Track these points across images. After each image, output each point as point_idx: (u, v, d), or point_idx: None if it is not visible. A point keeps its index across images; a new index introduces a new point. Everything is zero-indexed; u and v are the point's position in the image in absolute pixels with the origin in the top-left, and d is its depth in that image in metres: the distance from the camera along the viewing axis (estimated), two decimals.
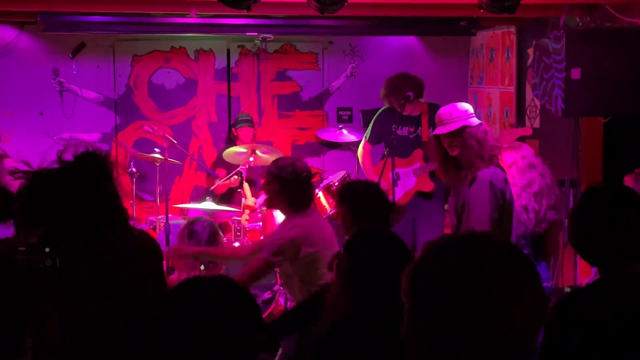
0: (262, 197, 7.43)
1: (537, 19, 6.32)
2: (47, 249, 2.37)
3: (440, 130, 4.44)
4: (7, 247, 2.34)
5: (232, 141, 7.56)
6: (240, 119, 7.54)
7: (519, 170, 5.04)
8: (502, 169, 4.56)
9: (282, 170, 4.47)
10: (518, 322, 1.51)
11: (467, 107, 4.56)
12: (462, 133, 4.39)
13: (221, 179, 7.15)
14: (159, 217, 6.99)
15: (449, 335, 1.51)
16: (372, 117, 6.79)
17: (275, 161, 4.65)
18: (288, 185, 4.45)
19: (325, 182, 7.24)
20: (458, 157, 4.43)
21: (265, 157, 6.90)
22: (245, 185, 6.99)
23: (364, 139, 6.81)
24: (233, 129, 7.57)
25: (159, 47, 7.91)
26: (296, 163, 4.56)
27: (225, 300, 1.83)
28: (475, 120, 4.48)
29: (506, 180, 4.42)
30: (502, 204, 4.35)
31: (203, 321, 1.78)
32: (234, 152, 6.96)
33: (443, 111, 4.53)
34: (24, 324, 1.96)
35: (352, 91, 8.22)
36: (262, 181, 7.51)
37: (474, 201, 4.35)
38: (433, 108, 6.44)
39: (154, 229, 6.99)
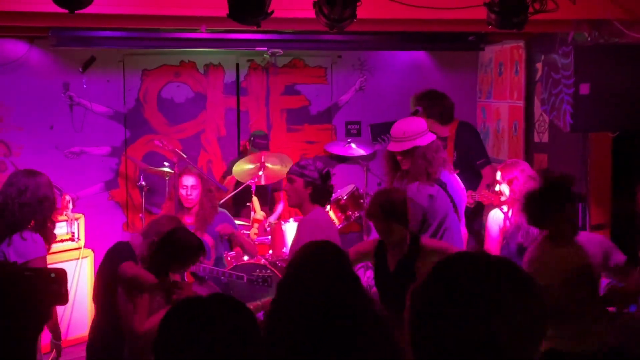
0: (276, 214, 7.46)
1: (546, 34, 6.33)
2: (52, 275, 2.39)
3: (392, 148, 5.08)
4: (11, 269, 2.35)
5: (242, 154, 7.57)
6: (255, 141, 7.45)
7: (520, 184, 5.06)
8: (442, 184, 5.01)
9: (304, 169, 4.81)
10: (515, 338, 1.54)
11: (420, 124, 5.07)
12: (413, 151, 4.99)
13: (230, 193, 7.17)
14: None
15: (447, 352, 1.54)
16: (381, 131, 6.81)
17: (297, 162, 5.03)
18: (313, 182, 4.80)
19: (333, 196, 7.25)
20: (408, 170, 5.04)
21: (276, 167, 6.92)
22: (254, 199, 7.00)
23: None
24: (247, 144, 7.55)
25: (169, 61, 7.95)
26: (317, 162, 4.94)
27: (225, 319, 1.83)
28: (427, 138, 5.02)
29: (431, 196, 4.92)
30: (422, 219, 4.90)
31: (203, 341, 1.79)
32: (243, 169, 6.96)
33: (396, 128, 5.09)
34: (34, 339, 1.97)
35: (360, 105, 8.24)
36: (275, 193, 7.61)
37: None
38: (463, 127, 6.53)
39: None
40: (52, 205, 4.58)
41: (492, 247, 5.07)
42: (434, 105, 6.42)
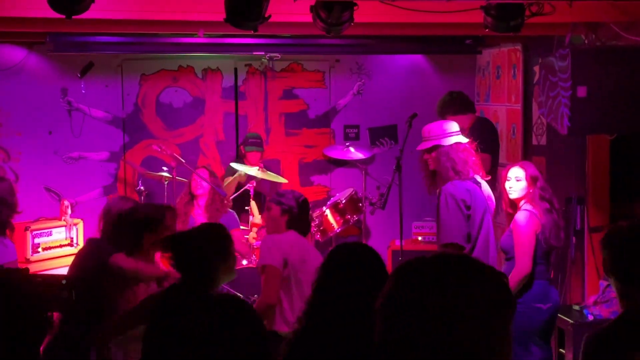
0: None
1: (543, 37, 6.34)
2: (63, 281, 2.40)
3: (418, 147, 5.18)
4: (23, 276, 2.36)
5: (240, 158, 7.58)
6: (249, 140, 7.53)
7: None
8: (477, 182, 5.06)
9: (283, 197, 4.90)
10: (484, 347, 1.52)
11: (448, 126, 5.04)
12: (435, 150, 5.08)
13: (229, 197, 7.17)
14: None
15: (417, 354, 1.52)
16: (379, 135, 6.84)
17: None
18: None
19: (332, 199, 7.27)
20: (436, 171, 5.12)
21: (273, 174, 6.94)
22: (253, 203, 7.00)
23: None
24: (242, 148, 7.58)
25: (167, 66, 7.96)
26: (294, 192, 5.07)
27: (233, 319, 1.83)
28: (450, 140, 5.09)
29: (468, 190, 4.96)
30: (467, 214, 4.94)
31: (212, 341, 1.78)
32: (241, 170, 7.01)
33: (425, 128, 5.21)
34: (36, 347, 1.98)
35: (358, 109, 8.25)
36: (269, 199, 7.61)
37: (438, 213, 5.05)
38: (480, 123, 6.64)
39: None
40: (10, 211, 4.62)
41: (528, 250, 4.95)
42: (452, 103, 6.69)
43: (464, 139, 5.18)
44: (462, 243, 4.93)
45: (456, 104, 6.63)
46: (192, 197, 6.56)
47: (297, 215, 4.89)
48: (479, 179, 5.16)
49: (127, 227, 4.43)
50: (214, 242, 3.70)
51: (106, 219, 4.80)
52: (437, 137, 5.11)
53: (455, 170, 5.01)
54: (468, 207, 4.94)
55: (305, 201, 4.99)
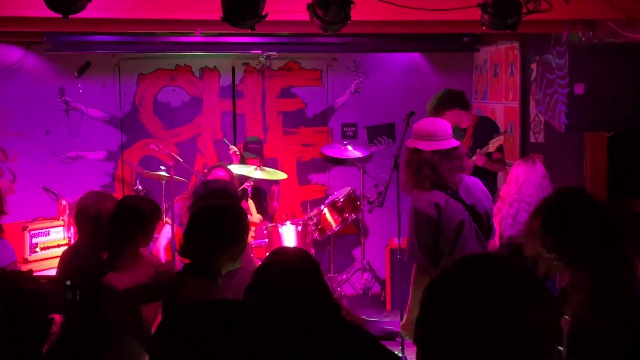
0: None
1: (540, 35, 6.34)
2: (68, 282, 2.39)
3: (437, 147, 4.40)
4: (27, 278, 2.35)
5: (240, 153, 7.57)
6: (248, 146, 7.47)
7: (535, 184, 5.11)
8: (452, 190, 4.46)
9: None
10: (527, 346, 1.51)
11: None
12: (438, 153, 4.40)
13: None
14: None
15: (455, 354, 1.52)
16: (377, 133, 6.82)
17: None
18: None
19: (330, 198, 7.27)
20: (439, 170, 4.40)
21: (271, 169, 6.95)
22: (250, 202, 7.00)
23: None
24: (241, 149, 7.57)
25: (164, 65, 7.96)
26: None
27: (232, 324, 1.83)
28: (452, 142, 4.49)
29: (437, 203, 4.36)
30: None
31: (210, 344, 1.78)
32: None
33: (440, 127, 4.50)
34: (39, 349, 1.97)
35: (356, 107, 8.25)
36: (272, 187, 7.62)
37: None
38: (482, 122, 6.56)
39: None
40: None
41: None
42: (450, 97, 6.49)
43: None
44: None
45: (455, 101, 6.51)
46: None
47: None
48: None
49: (120, 224, 4.10)
50: (219, 224, 3.45)
51: (84, 221, 4.50)
52: (450, 137, 4.51)
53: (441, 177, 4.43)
54: (434, 221, 4.35)
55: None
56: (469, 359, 1.51)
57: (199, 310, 1.87)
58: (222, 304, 1.90)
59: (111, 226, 4.09)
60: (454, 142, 4.46)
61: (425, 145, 4.38)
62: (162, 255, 6.36)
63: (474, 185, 4.52)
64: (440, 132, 4.44)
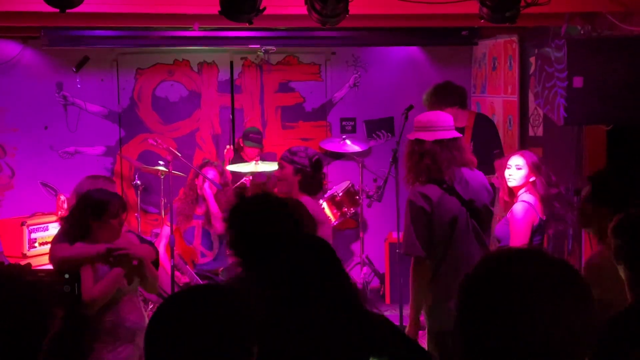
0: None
1: (539, 28, 6.33)
2: (66, 275, 2.39)
3: (447, 136, 4.43)
4: (26, 271, 2.35)
5: (237, 152, 7.56)
6: (249, 135, 7.49)
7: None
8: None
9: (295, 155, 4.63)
10: (566, 340, 1.51)
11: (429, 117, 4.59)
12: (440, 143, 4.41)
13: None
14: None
15: (496, 349, 1.52)
16: (375, 127, 6.80)
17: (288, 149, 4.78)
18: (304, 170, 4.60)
19: (329, 192, 7.26)
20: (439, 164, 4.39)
21: (270, 163, 6.94)
22: None
23: None
24: (240, 140, 7.57)
25: (162, 60, 7.94)
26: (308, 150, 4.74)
27: (223, 309, 1.83)
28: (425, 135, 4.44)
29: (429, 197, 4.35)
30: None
31: (201, 331, 1.78)
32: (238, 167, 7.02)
33: (448, 117, 4.56)
34: (39, 343, 1.97)
35: (355, 102, 8.24)
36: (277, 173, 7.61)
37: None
38: (480, 119, 6.50)
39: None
40: None
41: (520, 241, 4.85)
42: (450, 93, 6.28)
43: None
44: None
45: (456, 99, 6.29)
46: (197, 196, 6.72)
47: (310, 174, 4.62)
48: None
49: (76, 213, 4.25)
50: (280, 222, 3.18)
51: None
52: (451, 128, 4.52)
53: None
54: (428, 215, 4.34)
55: (318, 160, 4.70)
56: (511, 355, 1.51)
57: (194, 295, 1.88)
58: (218, 289, 1.90)
59: (68, 219, 4.22)
60: (456, 133, 4.47)
61: (427, 136, 4.39)
62: (163, 255, 6.37)
63: (474, 179, 4.50)
64: (442, 122, 4.46)
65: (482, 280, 1.58)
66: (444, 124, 4.46)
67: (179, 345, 1.76)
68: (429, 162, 4.35)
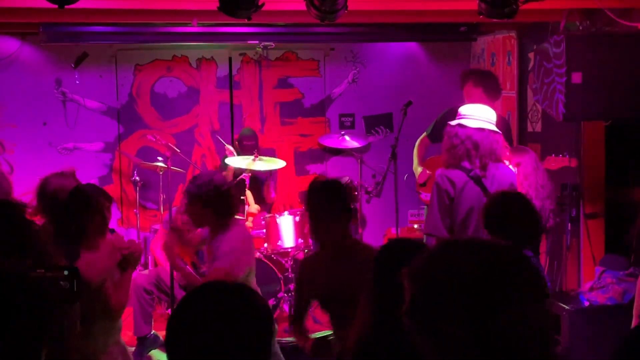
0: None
1: (538, 24, 6.33)
2: (65, 272, 2.38)
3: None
4: (25, 266, 2.34)
5: (235, 149, 7.55)
6: (243, 143, 7.43)
7: (526, 171, 5.12)
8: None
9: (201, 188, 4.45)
10: (523, 327, 1.49)
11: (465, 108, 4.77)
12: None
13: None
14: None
15: (452, 341, 1.50)
16: (374, 123, 6.79)
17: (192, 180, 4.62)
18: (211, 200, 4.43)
19: None
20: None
21: (269, 158, 6.95)
22: (248, 193, 7.00)
23: (424, 133, 6.39)
24: (237, 144, 7.55)
25: (161, 56, 7.94)
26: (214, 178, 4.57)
27: (242, 307, 1.83)
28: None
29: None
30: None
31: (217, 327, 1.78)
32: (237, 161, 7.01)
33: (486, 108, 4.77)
34: (41, 338, 1.97)
35: (353, 97, 8.24)
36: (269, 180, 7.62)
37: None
38: (500, 123, 6.45)
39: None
40: None
41: None
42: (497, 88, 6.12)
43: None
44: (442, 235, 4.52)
45: (498, 92, 6.14)
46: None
47: (219, 201, 4.47)
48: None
49: (76, 209, 4.06)
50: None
51: (44, 200, 4.40)
52: (494, 123, 4.70)
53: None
54: (451, 199, 4.53)
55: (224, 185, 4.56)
56: (468, 350, 1.49)
57: (211, 292, 1.87)
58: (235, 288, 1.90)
59: (61, 216, 4.17)
60: (497, 130, 4.66)
61: (471, 123, 4.59)
62: (160, 256, 6.36)
63: (502, 175, 4.64)
64: (487, 116, 4.66)
65: (428, 273, 1.56)
66: (488, 118, 4.66)
67: (202, 339, 1.76)
68: (470, 146, 4.53)
